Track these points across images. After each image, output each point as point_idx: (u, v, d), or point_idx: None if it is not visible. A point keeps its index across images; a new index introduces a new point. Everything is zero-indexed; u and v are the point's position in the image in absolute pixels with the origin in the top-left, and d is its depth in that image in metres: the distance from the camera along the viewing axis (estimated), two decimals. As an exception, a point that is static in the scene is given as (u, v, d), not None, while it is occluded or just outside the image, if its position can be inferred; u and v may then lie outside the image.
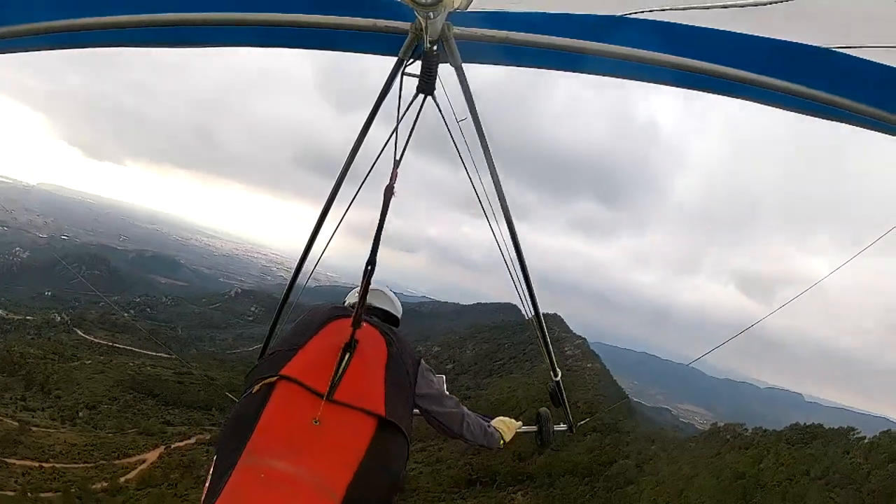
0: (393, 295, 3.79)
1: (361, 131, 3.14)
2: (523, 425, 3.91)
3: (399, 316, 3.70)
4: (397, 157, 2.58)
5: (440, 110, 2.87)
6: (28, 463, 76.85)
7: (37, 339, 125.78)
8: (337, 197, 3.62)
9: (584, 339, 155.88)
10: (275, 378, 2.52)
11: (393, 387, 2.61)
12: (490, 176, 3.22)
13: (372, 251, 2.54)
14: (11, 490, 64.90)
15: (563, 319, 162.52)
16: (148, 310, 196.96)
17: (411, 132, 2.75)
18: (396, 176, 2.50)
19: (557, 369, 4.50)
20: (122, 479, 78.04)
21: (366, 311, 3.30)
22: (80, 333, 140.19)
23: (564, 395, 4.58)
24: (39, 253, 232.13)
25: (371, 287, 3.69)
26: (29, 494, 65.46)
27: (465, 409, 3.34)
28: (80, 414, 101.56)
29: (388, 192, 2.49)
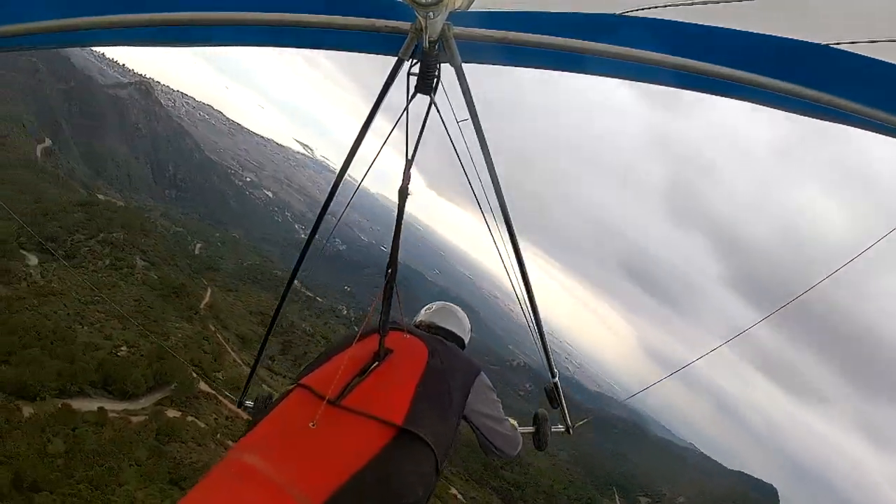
0: (462, 315, 3.72)
1: (361, 130, 3.13)
2: (519, 426, 3.80)
3: (464, 337, 3.58)
4: (409, 157, 2.56)
5: (438, 111, 2.82)
6: (239, 410, 77.13)
7: (313, 318, 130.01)
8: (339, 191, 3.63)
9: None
10: (293, 387, 2.51)
11: (425, 398, 2.46)
12: (490, 179, 3.17)
13: (391, 255, 2.53)
14: (205, 423, 65.59)
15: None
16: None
17: (422, 130, 2.74)
18: (410, 177, 2.47)
19: (555, 370, 4.43)
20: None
21: (429, 331, 3.35)
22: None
23: (562, 396, 4.51)
24: (355, 251, 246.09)
25: (441, 305, 3.80)
26: (217, 435, 65.30)
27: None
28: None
29: (403, 194, 2.45)
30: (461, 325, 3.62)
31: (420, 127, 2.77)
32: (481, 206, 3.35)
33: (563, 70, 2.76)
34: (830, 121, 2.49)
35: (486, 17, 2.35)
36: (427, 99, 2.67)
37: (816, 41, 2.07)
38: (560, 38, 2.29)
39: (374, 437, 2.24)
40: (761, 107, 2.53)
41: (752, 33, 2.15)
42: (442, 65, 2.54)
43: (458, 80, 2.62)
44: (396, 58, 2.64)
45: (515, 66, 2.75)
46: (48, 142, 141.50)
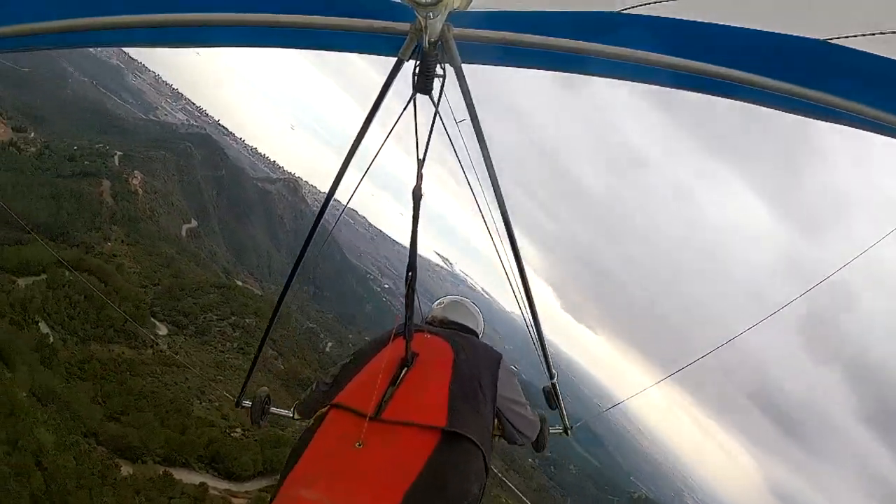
0: (474, 307, 3.69)
1: (360, 132, 3.10)
2: None
3: (478, 329, 3.54)
4: (420, 158, 2.53)
5: (439, 113, 2.76)
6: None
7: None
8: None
9: None
10: (327, 408, 2.48)
11: (461, 395, 2.45)
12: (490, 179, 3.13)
13: (410, 257, 2.50)
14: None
15: None
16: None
17: (431, 131, 2.70)
18: (422, 177, 2.43)
19: (554, 371, 4.38)
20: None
21: (442, 326, 3.32)
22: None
23: (560, 397, 4.48)
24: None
25: (452, 299, 3.78)
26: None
27: None
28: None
29: (417, 195, 2.41)
30: (475, 318, 3.58)
31: (424, 128, 2.71)
32: (480, 207, 3.36)
33: (563, 70, 2.76)
34: (830, 121, 2.47)
35: (485, 17, 2.34)
36: (429, 100, 2.63)
37: (815, 36, 2.04)
38: (559, 38, 2.28)
39: (421, 445, 2.21)
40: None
41: (750, 31, 2.12)
42: (441, 65, 2.50)
43: (458, 80, 2.60)
44: (396, 58, 2.63)
45: (515, 66, 2.73)
46: (194, 222, 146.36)
